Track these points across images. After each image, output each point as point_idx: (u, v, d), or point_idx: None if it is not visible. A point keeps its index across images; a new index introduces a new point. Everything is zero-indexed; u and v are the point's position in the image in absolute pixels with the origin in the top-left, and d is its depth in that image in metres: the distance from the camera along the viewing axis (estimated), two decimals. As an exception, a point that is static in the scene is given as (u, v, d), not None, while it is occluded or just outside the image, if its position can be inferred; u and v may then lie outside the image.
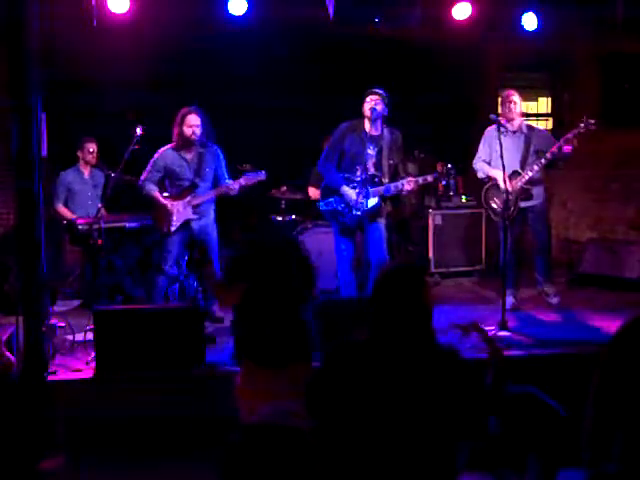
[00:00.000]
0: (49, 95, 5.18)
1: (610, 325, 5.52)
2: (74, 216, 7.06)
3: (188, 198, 6.12)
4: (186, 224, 6.15)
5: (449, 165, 6.25)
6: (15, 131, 4.90)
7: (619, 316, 5.09)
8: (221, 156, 6.24)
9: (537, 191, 6.48)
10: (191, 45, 7.33)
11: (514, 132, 6.47)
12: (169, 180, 6.21)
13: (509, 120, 6.48)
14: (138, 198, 6.39)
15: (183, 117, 6.05)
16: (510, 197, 6.12)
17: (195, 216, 6.14)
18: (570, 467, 2.99)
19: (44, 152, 5.10)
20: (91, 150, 7.24)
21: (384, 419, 2.56)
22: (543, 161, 6.28)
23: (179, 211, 6.10)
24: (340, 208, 6.09)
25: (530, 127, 6.64)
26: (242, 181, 6.09)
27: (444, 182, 6.32)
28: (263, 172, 6.14)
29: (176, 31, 6.91)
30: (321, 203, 6.24)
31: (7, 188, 6.73)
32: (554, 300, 6.69)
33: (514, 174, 6.32)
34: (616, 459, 2.42)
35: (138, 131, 5.93)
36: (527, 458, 3.20)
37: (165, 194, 6.23)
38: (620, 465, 2.40)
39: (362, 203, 5.93)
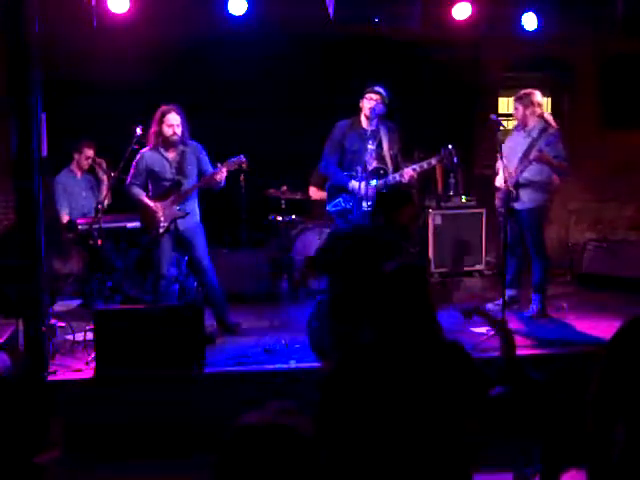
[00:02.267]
0: (49, 95, 5.18)
1: (609, 325, 5.50)
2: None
3: (172, 197, 5.95)
4: (173, 224, 5.97)
5: (449, 146, 6.12)
6: (15, 131, 4.90)
7: (618, 316, 5.11)
8: (203, 151, 6.06)
9: (529, 196, 6.29)
10: (191, 45, 7.32)
11: (524, 131, 6.37)
12: (152, 181, 6.03)
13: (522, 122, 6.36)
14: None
15: (162, 115, 5.88)
16: (499, 196, 6.28)
17: (181, 212, 5.94)
18: (570, 467, 2.99)
19: (44, 152, 5.09)
20: (88, 155, 7.19)
21: (396, 419, 2.57)
22: (522, 167, 6.22)
23: (165, 211, 5.92)
24: (349, 206, 6.10)
25: (544, 130, 6.24)
26: (224, 169, 5.83)
27: (448, 165, 6.24)
28: (242, 155, 5.89)
29: (176, 31, 6.91)
30: (329, 205, 6.23)
31: (7, 188, 6.73)
32: (527, 313, 6.40)
33: (509, 174, 6.32)
34: (616, 459, 2.42)
35: (138, 131, 5.91)
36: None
37: (149, 195, 6.06)
38: (620, 464, 2.41)
39: (367, 191, 5.90)
